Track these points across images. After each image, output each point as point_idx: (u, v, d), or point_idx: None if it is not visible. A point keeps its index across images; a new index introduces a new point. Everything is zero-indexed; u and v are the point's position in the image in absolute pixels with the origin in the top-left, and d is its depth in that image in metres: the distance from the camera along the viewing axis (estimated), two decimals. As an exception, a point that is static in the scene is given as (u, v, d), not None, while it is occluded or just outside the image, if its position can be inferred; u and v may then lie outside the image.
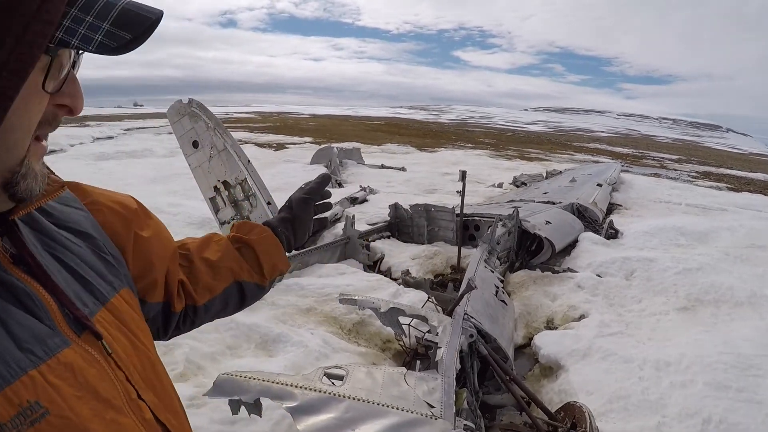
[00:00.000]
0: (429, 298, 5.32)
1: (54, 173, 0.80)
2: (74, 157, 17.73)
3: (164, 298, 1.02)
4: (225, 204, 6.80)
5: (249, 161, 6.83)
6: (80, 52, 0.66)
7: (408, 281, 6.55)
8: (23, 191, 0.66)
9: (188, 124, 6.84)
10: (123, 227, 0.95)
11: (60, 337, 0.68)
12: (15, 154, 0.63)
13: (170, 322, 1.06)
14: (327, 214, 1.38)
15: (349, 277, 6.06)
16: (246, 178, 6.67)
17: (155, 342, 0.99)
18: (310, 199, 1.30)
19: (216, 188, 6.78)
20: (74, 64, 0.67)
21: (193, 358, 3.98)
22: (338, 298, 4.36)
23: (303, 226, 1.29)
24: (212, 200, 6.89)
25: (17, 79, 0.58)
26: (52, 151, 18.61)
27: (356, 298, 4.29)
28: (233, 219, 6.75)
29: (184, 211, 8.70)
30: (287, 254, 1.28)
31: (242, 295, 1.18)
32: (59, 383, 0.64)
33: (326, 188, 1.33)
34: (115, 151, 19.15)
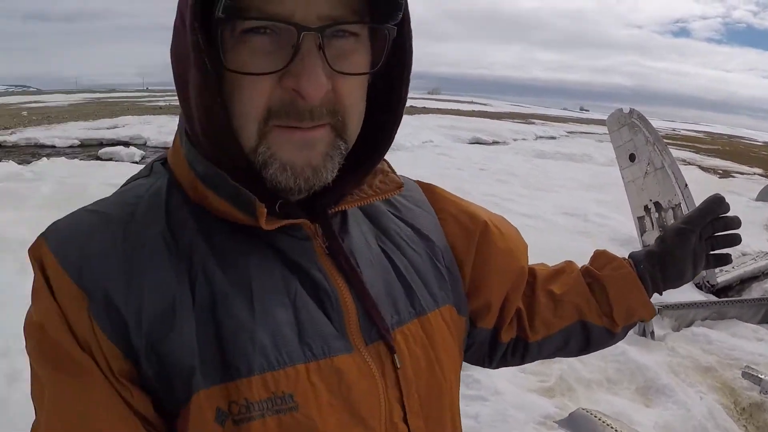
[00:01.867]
0: None
1: (393, 172, 0.76)
2: (515, 151, 18.84)
3: (494, 324, 0.89)
4: (653, 226, 6.30)
5: (686, 185, 6.17)
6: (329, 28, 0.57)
7: None
8: (269, 182, 0.61)
9: (627, 135, 6.56)
10: (466, 241, 0.85)
11: (344, 341, 0.65)
12: (244, 141, 0.60)
13: (496, 351, 0.93)
14: (728, 251, 1.00)
15: (765, 345, 5.02)
16: (680, 204, 6.04)
17: (482, 368, 0.93)
18: (688, 230, 0.95)
19: (646, 208, 6.35)
20: (321, 45, 0.57)
21: (567, 377, 3.84)
22: (742, 369, 3.72)
23: (676, 263, 0.96)
24: (640, 219, 6.49)
25: (186, 63, 0.58)
26: (496, 143, 20.34)
27: (762, 376, 3.56)
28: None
29: (610, 224, 8.47)
30: (652, 296, 0.98)
31: (587, 338, 0.96)
32: (320, 386, 0.61)
33: (726, 215, 0.96)
34: (555, 152, 19.65)
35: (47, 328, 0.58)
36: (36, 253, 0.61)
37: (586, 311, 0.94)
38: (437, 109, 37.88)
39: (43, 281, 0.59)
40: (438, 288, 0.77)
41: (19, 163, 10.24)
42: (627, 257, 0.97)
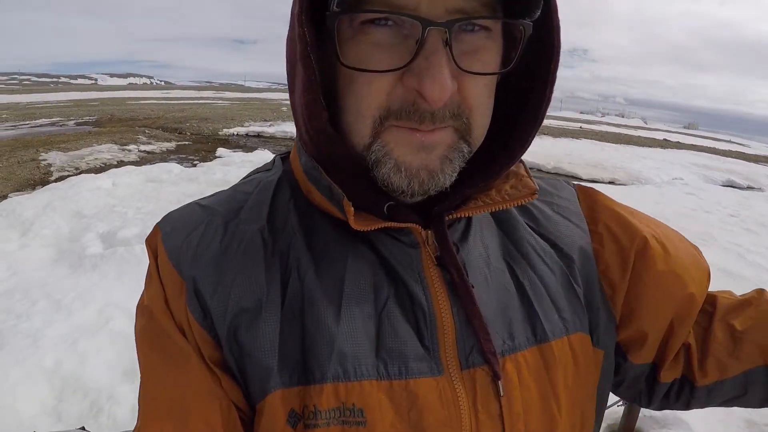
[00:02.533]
0: None
1: (530, 176, 0.67)
2: None
3: (653, 359, 0.76)
4: None
5: None
6: (458, 26, 0.52)
7: None
8: (382, 181, 0.57)
9: None
10: (620, 260, 0.73)
11: (430, 363, 0.59)
12: (355, 138, 0.57)
13: (655, 391, 0.78)
14: None
15: None
16: None
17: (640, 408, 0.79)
18: None
19: None
20: (448, 41, 0.51)
21: None
22: None
23: None
24: None
25: (297, 56, 0.55)
26: (750, 188, 17.93)
27: None
28: None
29: None
30: None
31: None
32: (387, 406, 0.57)
33: None
34: None
35: (154, 313, 0.60)
36: (151, 241, 0.65)
37: None
38: (691, 145, 34.40)
39: (155, 268, 0.63)
40: (571, 313, 0.68)
41: (273, 152, 11.99)
42: None
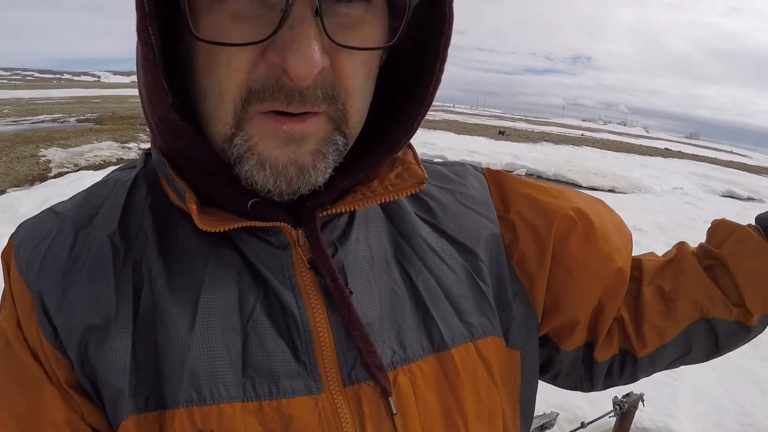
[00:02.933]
0: None
1: (418, 164, 0.60)
2: None
3: (585, 340, 0.72)
4: None
5: None
6: None
7: None
8: (245, 179, 0.49)
9: None
10: (537, 251, 0.68)
11: (307, 380, 0.53)
12: (214, 127, 0.49)
13: (594, 372, 0.74)
14: None
15: None
16: None
17: (579, 392, 0.77)
18: None
19: None
20: (319, 10, 0.44)
21: None
22: None
23: None
24: None
25: (141, 23, 0.45)
26: (751, 199, 17.96)
27: None
28: None
29: None
30: None
31: (715, 339, 0.73)
32: (255, 429, 0.50)
33: None
34: None
35: (9, 336, 0.54)
36: (6, 254, 0.58)
37: (708, 305, 0.72)
38: (693, 155, 34.52)
39: (8, 283, 0.56)
40: (478, 315, 0.62)
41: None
42: (753, 223, 0.74)
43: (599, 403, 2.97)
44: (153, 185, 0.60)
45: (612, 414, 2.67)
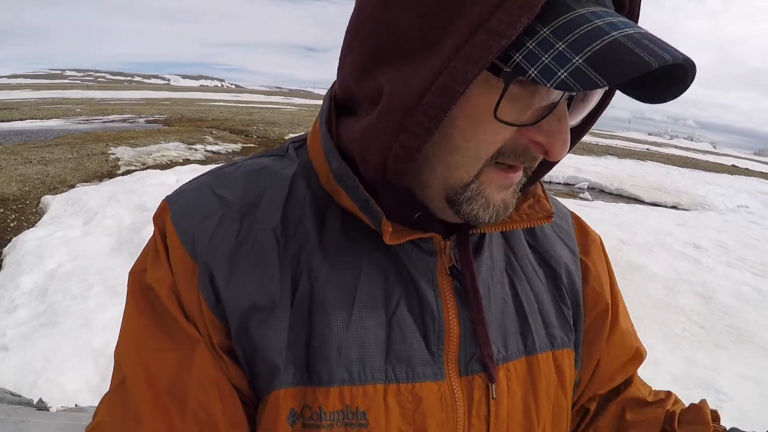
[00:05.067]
0: None
1: (547, 198, 0.71)
2: None
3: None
4: None
5: None
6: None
7: None
8: (465, 214, 0.59)
9: None
10: (592, 304, 0.80)
11: (434, 368, 0.63)
12: (456, 175, 0.57)
13: None
14: None
15: None
16: None
17: None
18: None
19: None
20: (572, 101, 0.56)
21: None
22: None
23: None
24: None
25: (445, 96, 0.48)
26: None
27: None
28: None
29: None
30: None
31: None
32: (394, 408, 0.60)
33: None
34: None
35: (160, 296, 0.59)
36: (159, 221, 0.63)
37: None
38: (761, 172, 32.90)
39: (163, 248, 0.61)
40: (559, 329, 0.74)
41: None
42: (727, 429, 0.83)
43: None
44: (310, 181, 0.66)
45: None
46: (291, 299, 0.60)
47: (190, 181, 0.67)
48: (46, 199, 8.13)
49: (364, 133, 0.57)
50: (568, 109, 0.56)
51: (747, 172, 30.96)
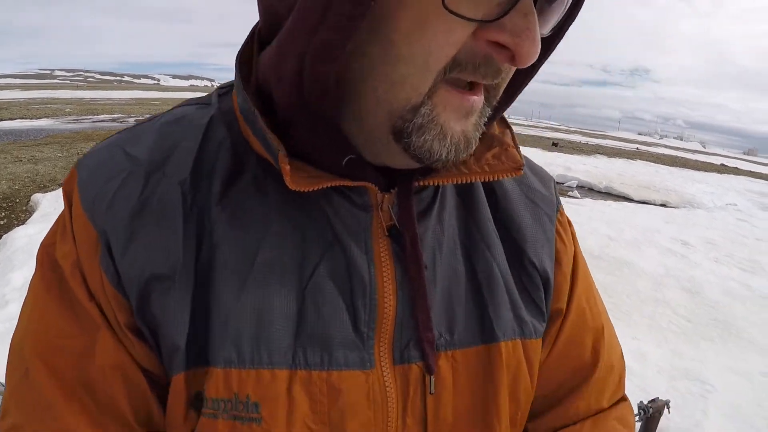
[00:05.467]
0: None
1: (517, 148, 0.57)
2: None
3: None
4: None
5: None
6: None
7: None
8: (416, 148, 0.47)
9: None
10: (559, 292, 0.66)
11: (362, 353, 0.51)
12: (402, 94, 0.45)
13: None
14: None
15: None
16: None
17: None
18: None
19: None
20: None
21: None
22: None
23: None
24: None
25: None
26: None
27: None
28: None
29: None
30: None
31: None
32: (302, 402, 0.49)
33: None
34: None
35: (65, 273, 0.52)
36: (67, 186, 0.55)
37: None
38: (750, 171, 33.28)
39: (69, 217, 0.53)
40: (528, 314, 0.61)
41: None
42: None
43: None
44: (230, 126, 0.56)
45: (636, 418, 2.68)
46: (195, 266, 0.51)
47: (102, 141, 0.58)
48: (36, 197, 8.11)
49: (279, 45, 0.46)
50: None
51: (736, 171, 31.25)
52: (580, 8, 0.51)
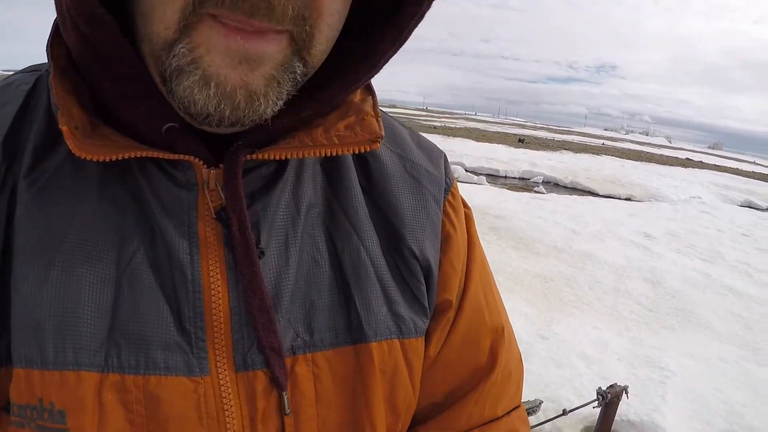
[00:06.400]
0: None
1: (376, 117, 0.50)
2: None
3: None
4: None
5: None
6: None
7: None
8: (180, 99, 0.40)
9: None
10: (444, 284, 0.58)
11: (188, 356, 0.44)
12: (154, 28, 0.39)
13: None
14: None
15: None
16: None
17: None
18: None
19: None
20: None
21: None
22: None
23: None
24: None
25: None
26: None
27: None
28: None
29: None
30: None
31: None
32: (114, 411, 0.42)
33: None
34: None
35: None
36: None
37: None
38: (715, 165, 34.12)
39: None
40: (408, 309, 0.53)
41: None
42: None
43: (586, 394, 3.02)
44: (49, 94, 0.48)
45: (596, 404, 2.72)
46: (2, 247, 0.43)
47: None
48: None
49: None
50: None
51: (701, 165, 31.95)
52: None
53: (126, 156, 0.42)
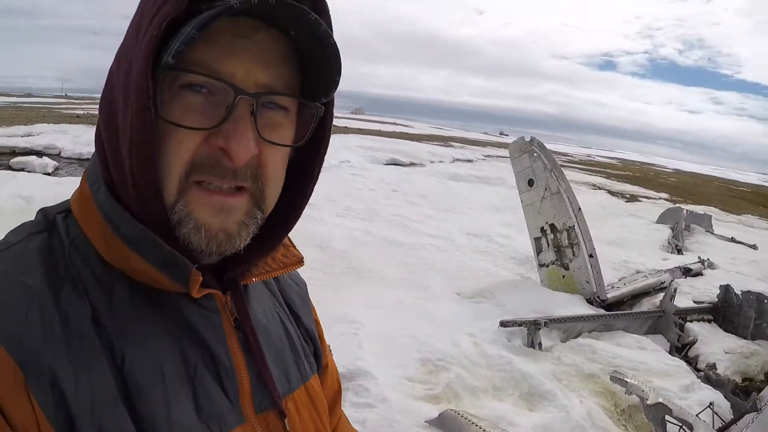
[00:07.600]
0: (710, 405, 4.55)
1: (294, 247, 0.80)
2: (430, 173, 19.23)
3: None
4: (548, 247, 6.87)
5: (579, 209, 6.71)
6: (259, 100, 0.59)
7: (710, 376, 5.67)
8: (182, 241, 0.59)
9: (527, 162, 7.02)
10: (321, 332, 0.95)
11: (236, 414, 0.66)
12: (165, 195, 0.59)
13: None
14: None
15: (647, 354, 5.30)
16: (574, 226, 6.58)
17: None
18: None
19: (542, 229, 6.90)
20: (254, 111, 0.59)
21: (454, 385, 3.97)
22: (610, 374, 4.22)
23: None
24: (537, 240, 7.00)
25: (134, 106, 0.56)
26: (413, 164, 20.62)
27: (627, 380, 4.07)
28: (553, 263, 6.79)
29: (512, 245, 8.87)
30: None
31: None
32: None
33: None
34: (469, 174, 19.98)
35: None
36: None
37: None
38: (359, 129, 38.16)
39: None
40: (313, 357, 0.87)
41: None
42: None
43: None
44: (87, 258, 0.62)
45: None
46: (119, 388, 0.58)
47: None
48: None
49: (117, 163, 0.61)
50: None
51: (346, 130, 35.30)
52: (329, 128, 0.71)
53: (205, 293, 0.65)
